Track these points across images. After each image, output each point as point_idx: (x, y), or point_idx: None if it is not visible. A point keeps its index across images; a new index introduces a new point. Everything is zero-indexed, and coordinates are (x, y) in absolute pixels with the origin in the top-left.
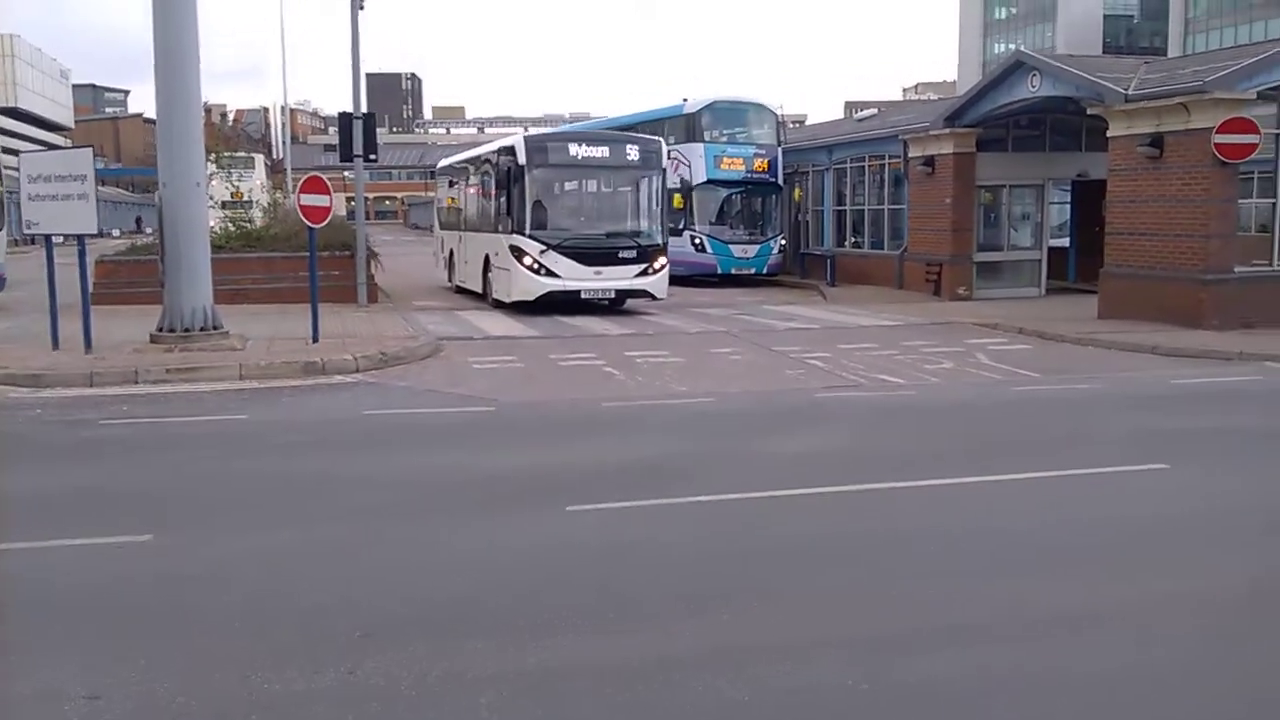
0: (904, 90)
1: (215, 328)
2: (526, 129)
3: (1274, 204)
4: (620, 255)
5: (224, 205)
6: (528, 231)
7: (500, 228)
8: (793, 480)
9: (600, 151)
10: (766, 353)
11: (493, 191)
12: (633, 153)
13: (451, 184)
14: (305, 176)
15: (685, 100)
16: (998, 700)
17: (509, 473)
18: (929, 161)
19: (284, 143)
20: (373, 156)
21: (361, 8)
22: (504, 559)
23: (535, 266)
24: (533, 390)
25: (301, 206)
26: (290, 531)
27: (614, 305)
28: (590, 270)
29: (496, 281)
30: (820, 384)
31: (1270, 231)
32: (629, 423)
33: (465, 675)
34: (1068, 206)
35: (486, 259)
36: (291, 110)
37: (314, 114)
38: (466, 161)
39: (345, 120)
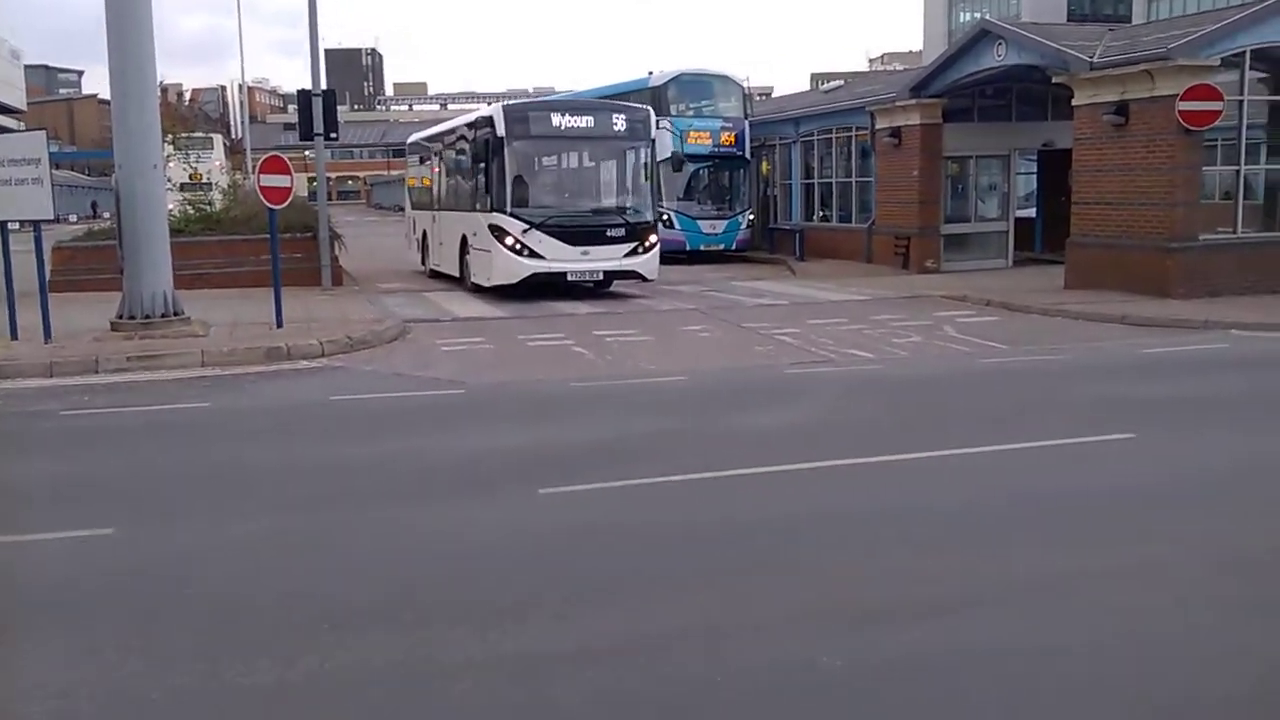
0: (869, 61)
1: (176, 314)
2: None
3: (1237, 171)
4: (608, 234)
5: (182, 187)
6: (509, 209)
7: (478, 206)
8: (764, 458)
9: (585, 121)
10: (736, 329)
11: (469, 167)
12: (619, 123)
13: (423, 160)
14: (265, 156)
15: (650, 73)
16: (971, 673)
17: (480, 456)
18: (896, 133)
19: (243, 122)
20: (334, 135)
21: None
22: (477, 544)
23: (517, 247)
24: (502, 371)
25: (261, 187)
26: (258, 521)
27: (599, 287)
28: (577, 250)
29: (475, 264)
30: (790, 360)
31: (1234, 199)
32: (599, 403)
33: (442, 662)
34: (1034, 177)
35: (464, 240)
36: (250, 88)
37: (273, 92)
38: (440, 135)
39: (305, 98)
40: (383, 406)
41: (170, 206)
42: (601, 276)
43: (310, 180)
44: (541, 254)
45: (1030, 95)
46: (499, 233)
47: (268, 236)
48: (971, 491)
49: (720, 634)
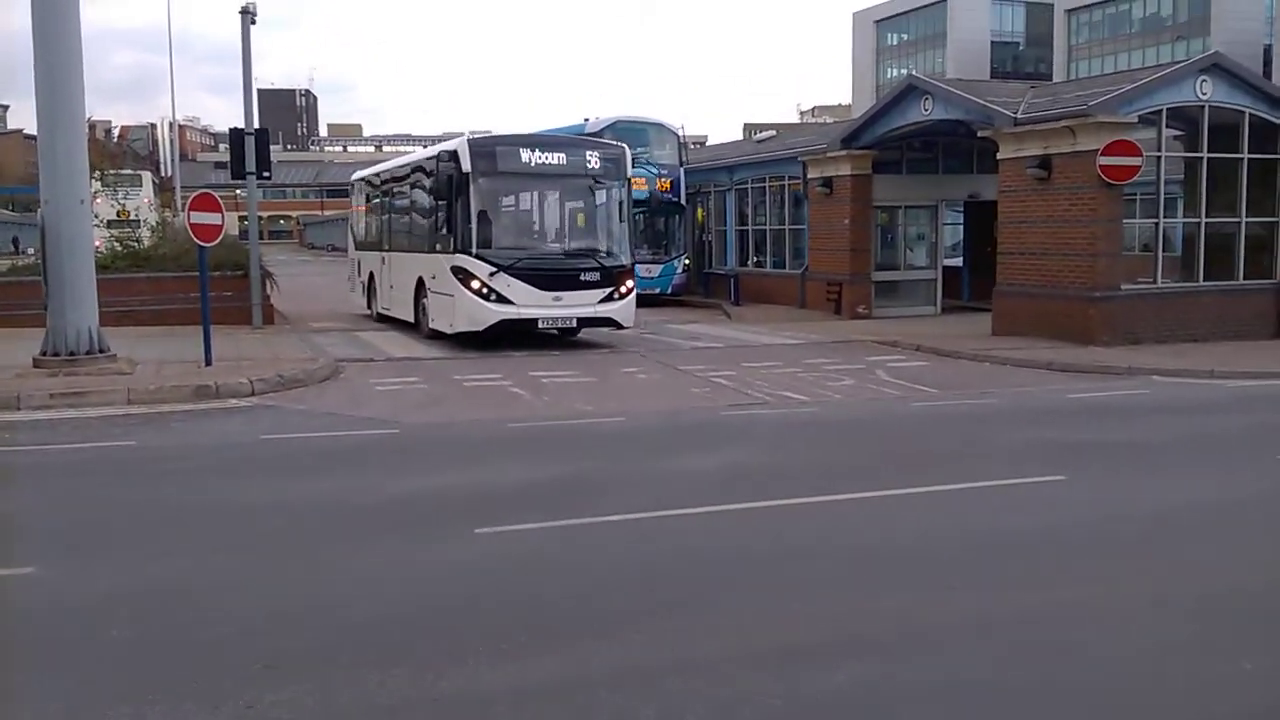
0: (800, 113)
1: (101, 350)
2: (425, 146)
3: (1156, 224)
4: (582, 278)
5: (110, 224)
6: (474, 250)
7: (439, 247)
8: (701, 498)
9: (556, 158)
10: (672, 371)
11: (428, 205)
12: (593, 160)
13: (370, 198)
14: (196, 193)
15: (587, 120)
16: (902, 710)
17: (414, 496)
18: (827, 182)
19: (173, 159)
20: (266, 174)
21: (253, 22)
22: (412, 585)
23: (484, 291)
24: (437, 412)
25: (191, 224)
26: (184, 561)
27: (565, 335)
28: (549, 295)
29: (435, 309)
30: (726, 402)
31: (1153, 251)
32: (536, 443)
33: (376, 703)
34: (961, 227)
35: (420, 283)
36: (180, 126)
37: (204, 130)
38: (392, 171)
39: (237, 136)
40: (315, 446)
41: (97, 243)
42: (575, 324)
43: (242, 219)
44: (511, 299)
45: (957, 148)
46: (463, 275)
47: (197, 274)
48: (906, 532)
49: (658, 673)
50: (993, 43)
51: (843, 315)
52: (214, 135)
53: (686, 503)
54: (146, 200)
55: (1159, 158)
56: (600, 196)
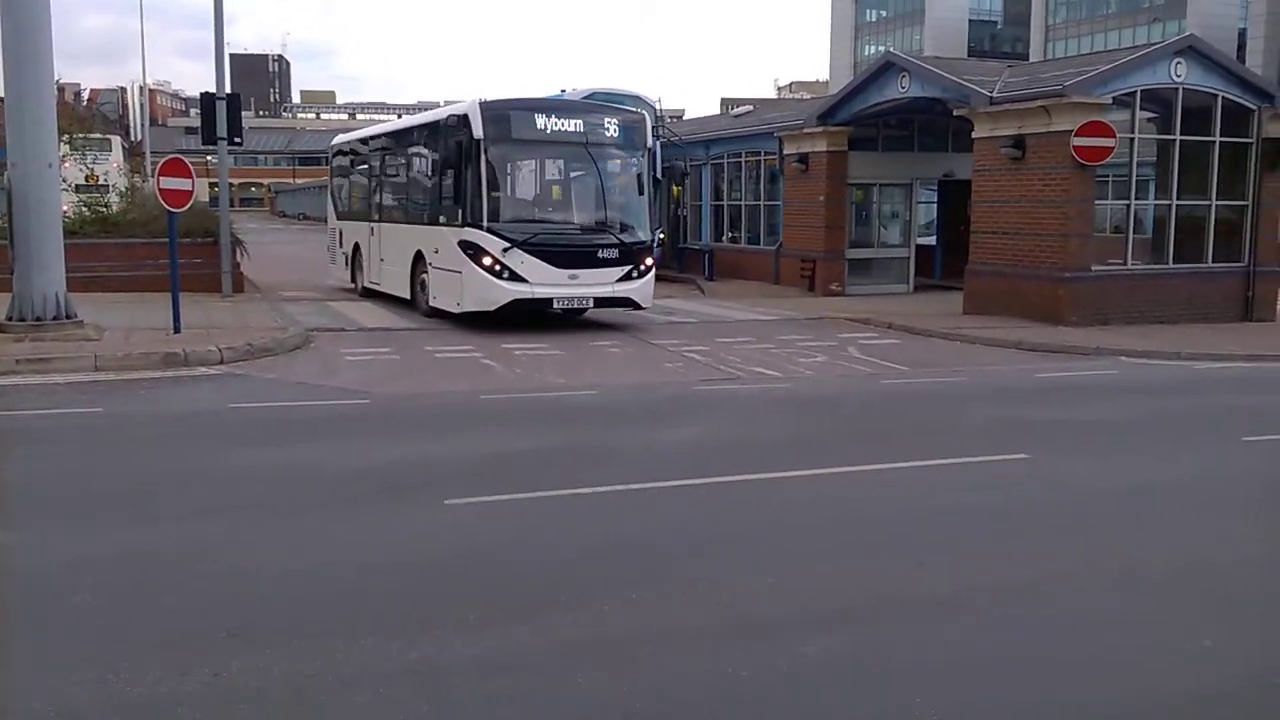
0: (778, 89)
1: (69, 316)
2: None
3: (1128, 206)
4: (600, 255)
5: (78, 189)
6: (485, 224)
7: (444, 219)
8: (671, 472)
9: (574, 124)
10: (646, 346)
11: (430, 172)
12: (613, 127)
13: (355, 165)
14: (165, 159)
15: (563, 91)
16: (871, 683)
17: (385, 466)
18: (803, 159)
19: (143, 124)
20: (237, 140)
21: None
22: (381, 554)
23: (497, 268)
24: (408, 382)
25: (161, 190)
26: (150, 529)
27: (568, 315)
28: (564, 274)
29: (437, 286)
30: (699, 377)
31: (1124, 232)
32: (508, 415)
33: (343, 673)
34: (935, 206)
35: (418, 257)
36: (151, 90)
37: (175, 95)
38: (384, 136)
39: (208, 101)
40: (284, 415)
41: (65, 207)
42: (591, 304)
43: (212, 185)
44: (524, 277)
45: (932, 127)
46: (473, 251)
47: (166, 240)
48: (875, 508)
49: (628, 644)
50: (971, 21)
51: (816, 292)
52: (185, 100)
53: (658, 476)
54: (116, 165)
55: (1132, 139)
56: (620, 167)
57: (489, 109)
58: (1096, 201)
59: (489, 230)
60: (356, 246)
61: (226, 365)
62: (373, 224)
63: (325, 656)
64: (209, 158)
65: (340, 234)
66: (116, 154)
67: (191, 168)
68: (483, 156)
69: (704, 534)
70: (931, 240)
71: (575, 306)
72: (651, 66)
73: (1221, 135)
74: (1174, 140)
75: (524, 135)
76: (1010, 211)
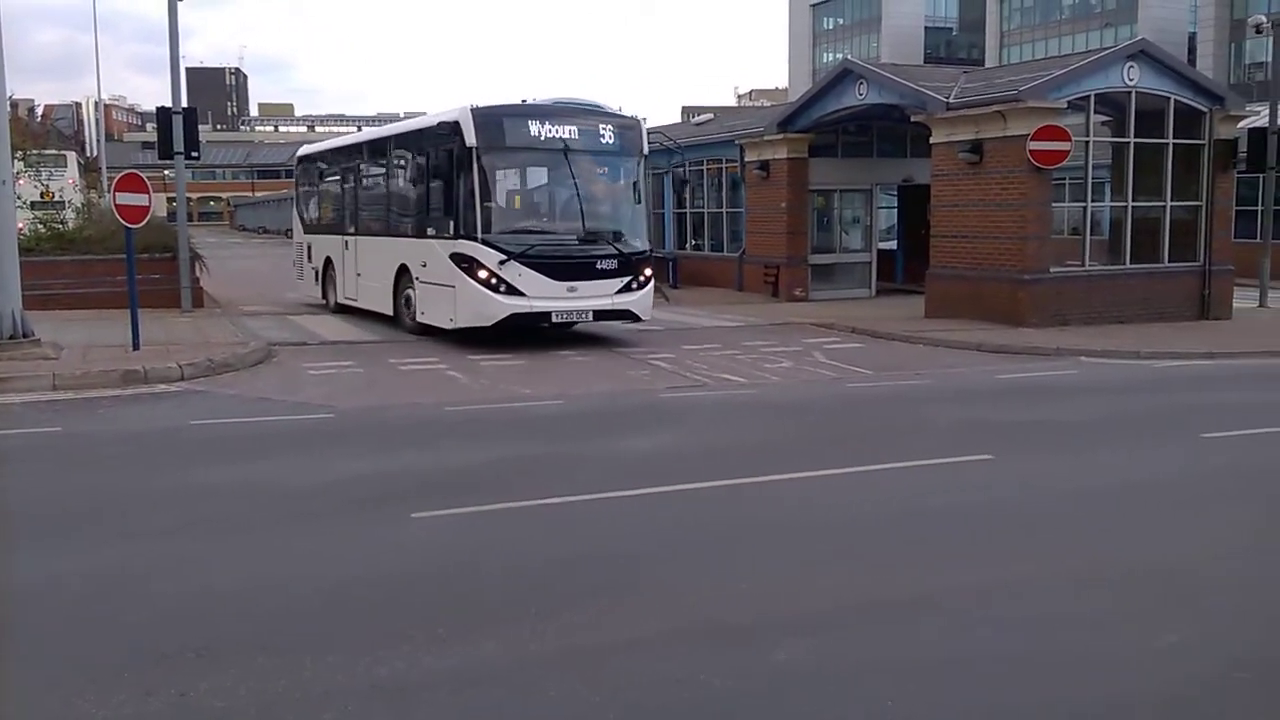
0: (738, 96)
1: (26, 335)
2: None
3: (1084, 208)
4: (599, 266)
5: (33, 206)
6: (479, 235)
7: (433, 231)
8: (638, 480)
9: (568, 130)
10: (611, 354)
11: (416, 183)
12: (608, 133)
13: (326, 175)
14: (122, 174)
15: (524, 102)
16: (841, 687)
17: (350, 481)
18: (764, 166)
19: (98, 139)
20: (195, 154)
21: None
22: (348, 569)
23: (493, 282)
24: (372, 396)
25: (118, 206)
26: (114, 548)
27: (560, 329)
28: (563, 286)
29: (426, 301)
30: (665, 384)
31: (1081, 234)
32: (473, 427)
33: (310, 691)
34: (895, 211)
35: (402, 272)
36: (106, 105)
37: (131, 110)
38: (361, 145)
39: (164, 115)
40: (247, 431)
41: (20, 225)
42: (590, 317)
43: (170, 200)
44: (522, 290)
45: (891, 133)
46: (468, 264)
47: (124, 256)
48: (841, 511)
49: (599, 654)
50: (926, 28)
51: (780, 298)
52: (141, 115)
53: (625, 485)
54: (71, 181)
55: (1087, 142)
56: (616, 173)
57: (481, 115)
58: (1054, 204)
59: (484, 242)
60: (329, 261)
61: (187, 381)
62: (348, 237)
63: (292, 675)
64: (166, 172)
65: (309, 248)
66: (72, 170)
67: (148, 183)
68: (475, 165)
69: (673, 542)
70: (893, 245)
71: (573, 320)
72: (611, 76)
73: (1175, 137)
74: (1128, 143)
75: (518, 142)
76: (969, 215)
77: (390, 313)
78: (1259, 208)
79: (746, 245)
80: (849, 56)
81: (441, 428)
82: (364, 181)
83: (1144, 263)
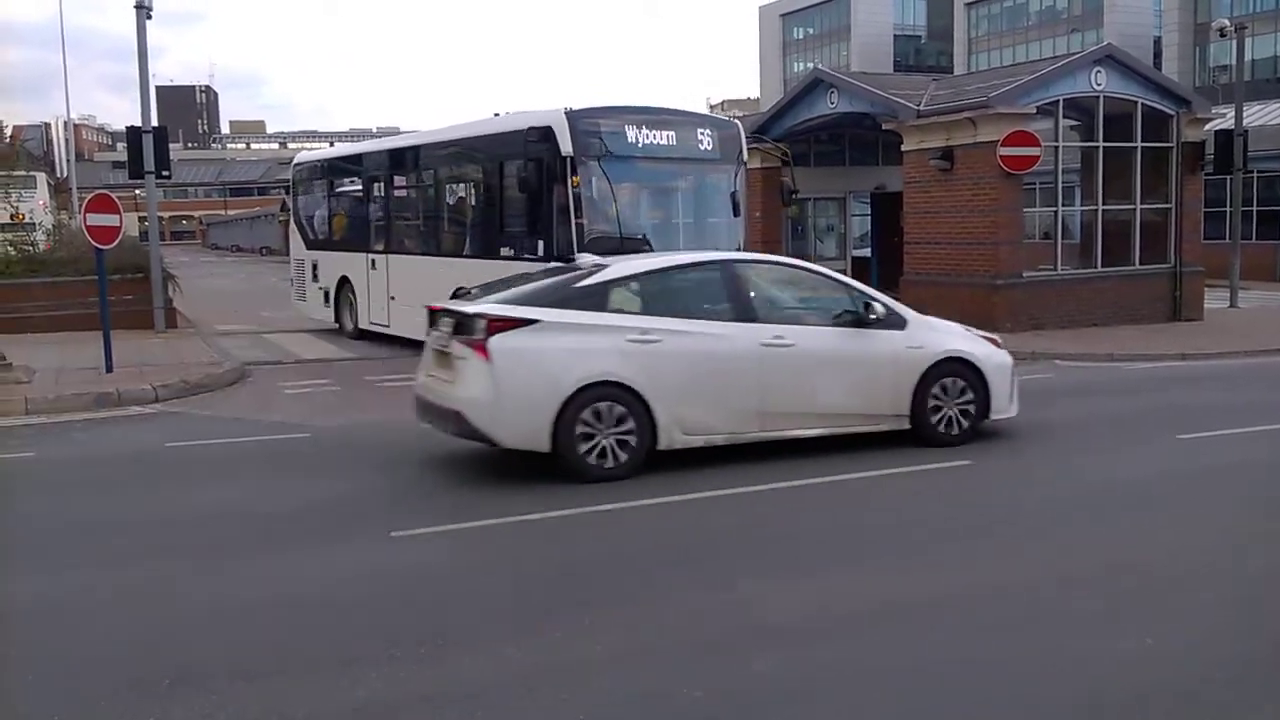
0: (710, 107)
1: None
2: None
3: (1055, 212)
4: None
5: (3, 228)
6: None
7: (510, 251)
8: (615, 493)
9: (668, 136)
10: None
11: (485, 196)
12: (707, 138)
13: (339, 187)
14: (92, 195)
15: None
16: (821, 696)
17: (327, 500)
18: None
19: (68, 160)
20: (166, 173)
21: (149, 17)
22: (327, 591)
23: None
24: (349, 414)
25: (88, 227)
26: (88, 575)
27: None
28: None
29: None
30: None
31: (1053, 238)
32: (451, 443)
33: (288, 715)
34: (868, 218)
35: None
36: (76, 125)
37: (101, 129)
38: (406, 151)
39: (134, 135)
40: (223, 452)
41: None
42: None
43: (142, 220)
44: None
45: (863, 141)
46: None
47: (95, 278)
48: (817, 520)
49: (579, 670)
50: (895, 36)
51: None
52: (111, 134)
53: (604, 499)
54: (42, 203)
55: (1057, 147)
56: (717, 183)
57: (579, 119)
58: (1025, 209)
59: None
60: (345, 281)
61: (161, 403)
62: (374, 255)
63: (271, 699)
64: (138, 192)
65: (314, 266)
66: (42, 191)
67: (119, 203)
68: (571, 176)
69: (651, 554)
70: (867, 252)
71: None
72: (582, 88)
73: (1143, 140)
74: (1097, 147)
75: (618, 150)
76: (942, 222)
77: None
78: (1228, 209)
79: None
80: (820, 66)
81: (419, 445)
82: (400, 194)
83: (1115, 266)
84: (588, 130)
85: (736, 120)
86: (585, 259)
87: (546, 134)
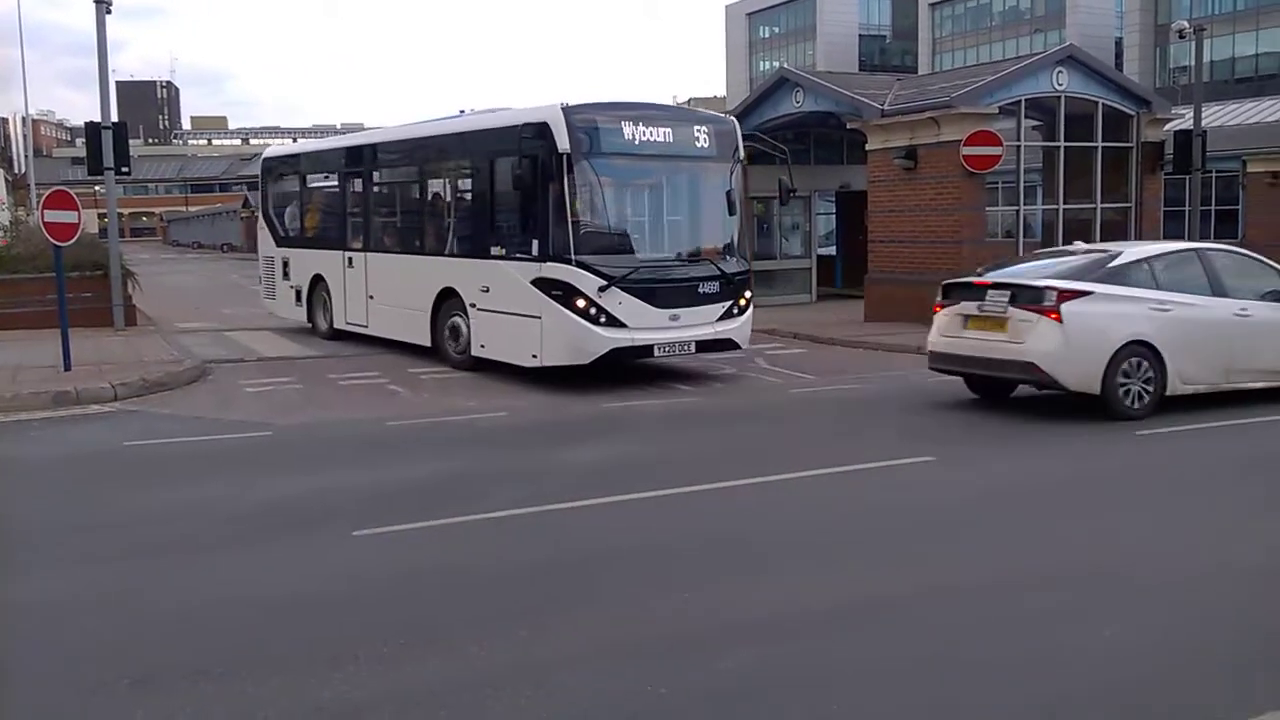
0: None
1: None
2: (295, 139)
3: (1017, 211)
4: (701, 291)
5: None
6: (574, 258)
7: (501, 250)
8: (583, 491)
9: (664, 134)
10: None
11: (475, 192)
12: (703, 136)
13: (313, 182)
14: (50, 191)
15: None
16: (787, 694)
17: (289, 500)
18: None
19: (26, 156)
20: (125, 169)
21: (109, 11)
22: (289, 590)
23: (592, 312)
24: (311, 412)
25: (46, 223)
26: (45, 576)
27: (637, 357)
28: (665, 314)
29: (488, 333)
30: (609, 394)
31: (1015, 236)
32: (415, 441)
33: (252, 715)
34: (834, 217)
35: (446, 296)
36: (34, 121)
37: (59, 125)
38: (390, 146)
39: (93, 130)
40: (183, 451)
41: None
42: (693, 349)
43: (101, 216)
44: (623, 320)
45: (828, 140)
46: (561, 291)
47: (54, 275)
48: (783, 518)
49: (544, 669)
50: (861, 35)
51: None
52: (71, 130)
53: (568, 497)
54: None
55: (1019, 147)
56: (714, 181)
57: (575, 115)
58: (987, 208)
59: (580, 265)
60: (319, 279)
61: (120, 402)
62: (351, 252)
63: (234, 699)
64: (97, 188)
65: (285, 263)
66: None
67: (78, 199)
68: (569, 174)
69: (616, 553)
70: (832, 250)
71: (675, 353)
72: (547, 85)
73: (1104, 140)
74: (1059, 146)
75: (615, 147)
76: (905, 220)
77: (425, 343)
78: (1186, 208)
79: None
80: (786, 65)
81: (382, 443)
82: (381, 190)
83: None
84: (584, 126)
85: (733, 118)
86: (1077, 245)
87: (542, 130)
